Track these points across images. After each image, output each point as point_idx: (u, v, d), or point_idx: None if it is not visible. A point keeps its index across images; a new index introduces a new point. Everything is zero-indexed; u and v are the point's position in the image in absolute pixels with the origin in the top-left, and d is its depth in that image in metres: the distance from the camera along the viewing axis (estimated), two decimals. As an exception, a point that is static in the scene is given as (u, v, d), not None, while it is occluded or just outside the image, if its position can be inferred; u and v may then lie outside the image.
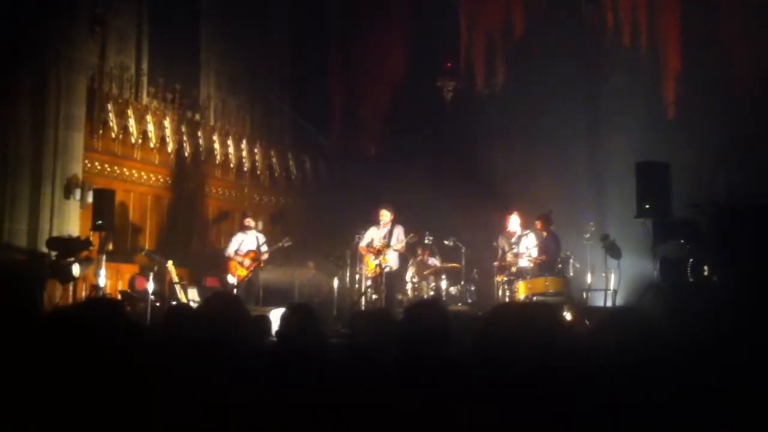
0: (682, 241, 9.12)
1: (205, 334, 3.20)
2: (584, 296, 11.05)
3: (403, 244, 11.14)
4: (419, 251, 12.03)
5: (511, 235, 11.30)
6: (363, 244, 11.31)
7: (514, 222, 11.33)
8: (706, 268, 8.66)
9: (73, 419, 2.22)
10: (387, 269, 10.96)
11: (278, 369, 3.20)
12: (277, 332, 3.40)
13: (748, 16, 12.59)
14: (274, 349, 3.99)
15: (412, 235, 11.21)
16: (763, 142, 10.93)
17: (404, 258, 11.74)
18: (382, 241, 11.08)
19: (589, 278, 11.13)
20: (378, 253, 11.00)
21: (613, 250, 10.37)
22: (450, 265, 11.83)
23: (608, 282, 10.55)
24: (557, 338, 2.28)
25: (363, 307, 10.78)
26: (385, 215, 11.21)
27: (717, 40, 13.01)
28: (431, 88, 14.46)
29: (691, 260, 8.75)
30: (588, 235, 11.10)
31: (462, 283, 11.71)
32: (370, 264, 11.08)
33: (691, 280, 8.64)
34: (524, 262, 10.91)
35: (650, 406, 2.19)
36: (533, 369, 2.18)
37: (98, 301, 4.00)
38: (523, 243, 11.03)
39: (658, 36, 13.86)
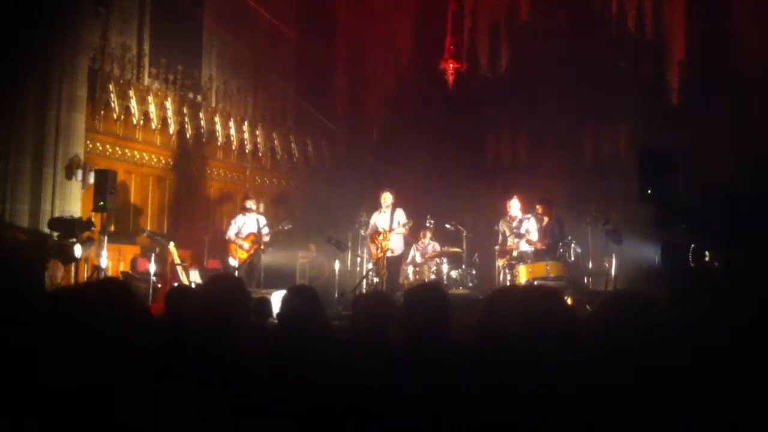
0: (684, 226, 9.11)
1: (206, 315, 3.20)
2: (585, 281, 11.05)
3: (406, 227, 11.25)
4: (421, 234, 12.03)
5: (512, 219, 11.30)
6: (369, 231, 11.39)
7: (515, 206, 11.33)
8: (707, 253, 8.65)
9: (76, 402, 2.22)
10: (390, 253, 11.09)
11: (280, 350, 3.20)
12: (278, 314, 3.39)
13: (756, 2, 12.52)
14: (276, 330, 4.00)
15: (408, 221, 11.29)
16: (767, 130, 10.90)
17: (407, 242, 11.79)
18: (385, 228, 11.18)
19: (590, 263, 11.13)
20: (379, 236, 11.10)
21: (614, 235, 10.36)
22: (451, 249, 11.84)
23: (610, 267, 10.55)
24: (558, 322, 2.28)
25: (364, 290, 10.81)
26: (387, 198, 11.31)
27: (722, 26, 12.94)
28: (435, 72, 14.41)
29: (692, 246, 8.75)
30: (589, 220, 11.09)
31: (463, 267, 11.72)
32: (375, 251, 11.23)
33: (692, 265, 8.64)
34: (525, 246, 10.91)
35: (650, 390, 2.19)
36: (534, 352, 2.18)
37: (107, 283, 4.00)
38: (524, 227, 11.03)
39: (663, 21, 13.79)
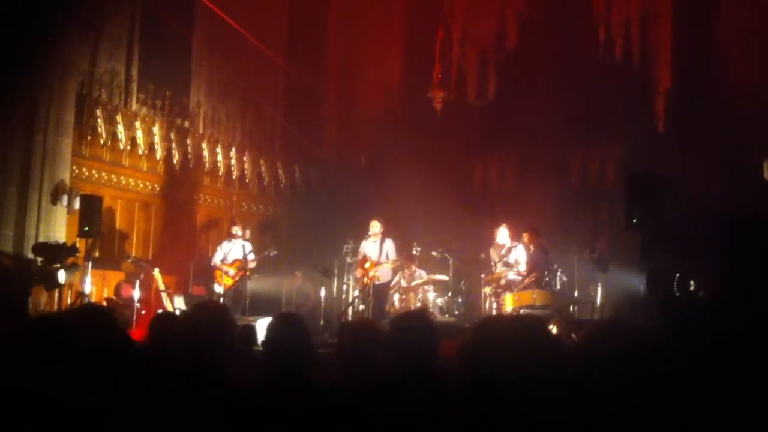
0: (670, 255, 9.14)
1: (190, 342, 3.17)
2: (571, 309, 11.05)
3: (394, 264, 11.27)
4: (407, 263, 12.01)
5: (500, 247, 11.31)
6: (359, 257, 11.34)
7: (502, 234, 11.33)
8: (692, 282, 8.68)
9: (59, 424, 2.20)
10: (377, 281, 11.08)
11: (266, 377, 3.17)
12: (264, 341, 3.36)
13: (741, 30, 12.67)
14: (261, 357, 3.96)
15: (396, 259, 11.29)
16: (754, 156, 10.98)
17: (394, 270, 11.76)
18: (373, 258, 11.14)
19: (576, 291, 11.14)
20: (366, 268, 11.09)
21: (600, 264, 10.39)
22: (437, 277, 11.82)
23: (596, 295, 10.56)
24: (544, 351, 2.27)
25: (350, 318, 10.77)
26: (375, 226, 11.26)
27: (708, 54, 13.09)
28: (423, 99, 14.49)
29: (677, 275, 8.77)
30: (576, 248, 11.12)
31: (449, 294, 11.70)
32: (362, 278, 11.21)
33: (677, 294, 8.66)
34: (513, 275, 10.90)
35: (637, 418, 2.18)
36: (520, 381, 2.17)
37: (91, 309, 3.96)
38: (512, 255, 11.03)
39: (649, 50, 13.94)
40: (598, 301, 10.55)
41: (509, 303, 10.38)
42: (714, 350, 3.05)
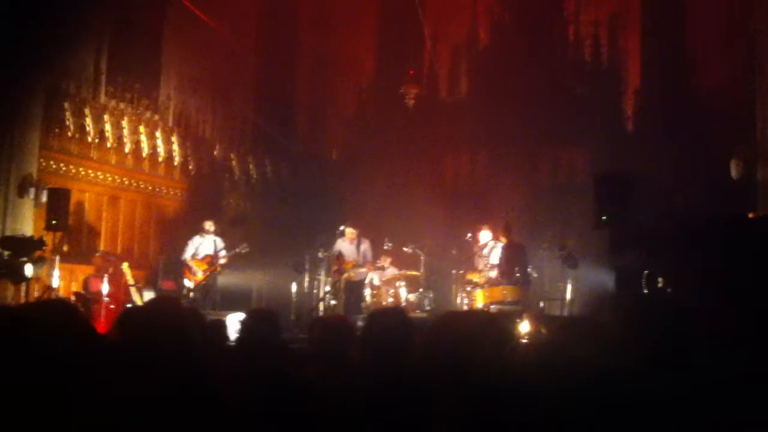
0: (638, 252, 9.22)
1: (158, 335, 3.15)
2: (541, 305, 11.14)
3: (369, 266, 11.70)
4: (381, 258, 12.06)
5: (482, 246, 11.34)
6: (333, 253, 11.54)
7: (485, 236, 11.36)
8: (660, 280, 8.76)
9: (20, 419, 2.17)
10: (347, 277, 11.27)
11: (238, 374, 3.16)
12: (237, 338, 3.35)
13: (710, 31, 12.84)
14: (233, 354, 3.94)
15: (373, 262, 11.56)
16: (722, 157, 11.13)
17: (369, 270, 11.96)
18: (350, 258, 11.45)
19: (546, 287, 11.23)
20: (342, 265, 11.30)
21: (569, 260, 10.46)
22: (409, 272, 11.85)
23: (565, 291, 10.65)
24: (494, 345, 2.30)
25: (321, 313, 10.77)
26: (351, 233, 11.59)
27: (677, 55, 13.24)
28: (396, 94, 14.52)
29: (645, 272, 8.85)
30: (546, 245, 11.19)
31: (421, 290, 11.72)
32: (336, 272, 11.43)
33: (645, 291, 8.74)
34: (494, 273, 10.93)
35: (603, 417, 2.20)
36: (474, 374, 2.20)
37: (51, 303, 3.91)
38: (493, 254, 11.09)
39: (619, 50, 14.09)
40: (568, 297, 10.64)
41: (480, 299, 10.44)
42: (678, 348, 3.08)
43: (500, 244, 11.06)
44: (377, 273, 11.98)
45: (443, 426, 2.18)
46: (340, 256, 11.38)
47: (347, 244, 11.63)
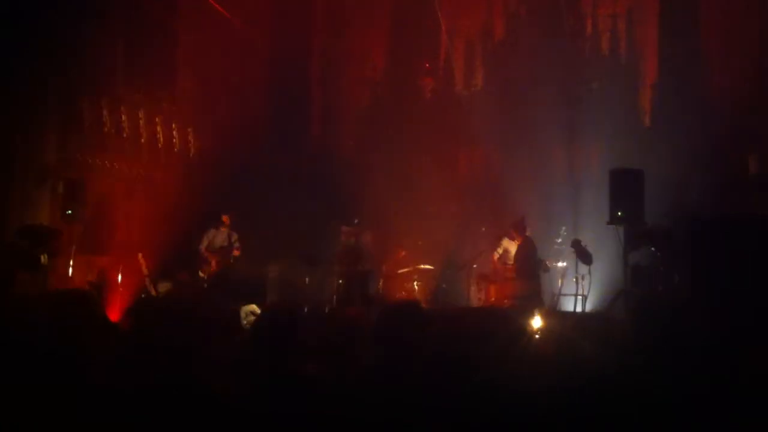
0: (653, 249, 9.19)
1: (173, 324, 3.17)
2: (555, 300, 11.12)
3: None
4: (396, 250, 12.10)
5: (497, 244, 11.36)
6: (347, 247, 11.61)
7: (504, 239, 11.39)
8: (676, 276, 8.73)
9: (35, 405, 2.19)
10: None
11: (253, 371, 3.17)
12: (254, 334, 3.37)
13: (726, 26, 12.74)
14: (246, 345, 3.96)
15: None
16: (737, 152, 11.06)
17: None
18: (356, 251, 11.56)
19: (560, 283, 11.20)
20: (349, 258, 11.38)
21: (584, 256, 10.43)
22: (423, 266, 11.86)
23: (579, 287, 10.61)
24: (503, 340, 2.31)
25: (335, 305, 10.82)
26: (348, 230, 11.79)
27: (694, 50, 13.15)
28: (410, 88, 14.50)
29: (661, 268, 8.82)
30: (560, 240, 11.17)
31: (434, 284, 11.73)
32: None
33: (660, 288, 8.71)
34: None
35: (614, 413, 2.21)
36: (481, 367, 2.21)
37: (69, 293, 3.94)
38: (508, 251, 11.09)
39: (636, 44, 14.00)
40: (581, 293, 10.60)
41: (492, 294, 10.43)
42: (685, 346, 3.07)
43: (514, 242, 11.06)
44: (391, 265, 12.01)
45: (449, 424, 2.20)
46: (346, 250, 11.47)
47: (350, 239, 11.70)
